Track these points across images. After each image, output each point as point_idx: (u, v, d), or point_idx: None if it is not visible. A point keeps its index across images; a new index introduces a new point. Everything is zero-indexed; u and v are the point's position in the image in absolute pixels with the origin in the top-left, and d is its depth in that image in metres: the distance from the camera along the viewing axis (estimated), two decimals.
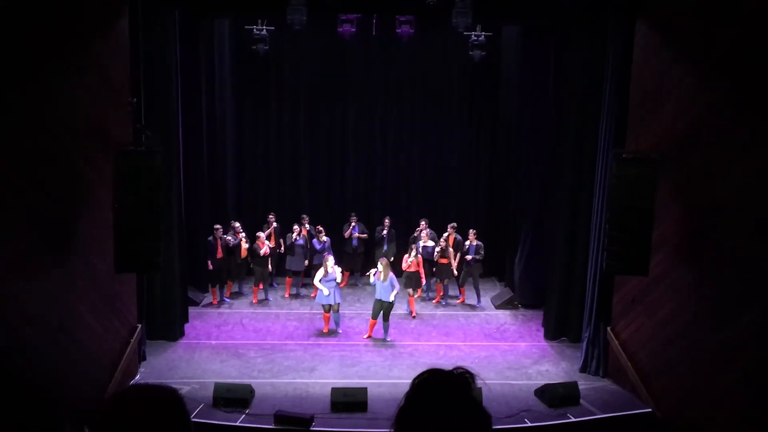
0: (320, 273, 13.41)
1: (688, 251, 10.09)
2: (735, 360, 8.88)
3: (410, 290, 14.76)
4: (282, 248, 15.82)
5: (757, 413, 8.46)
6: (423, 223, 15.91)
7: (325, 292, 13.27)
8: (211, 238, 14.91)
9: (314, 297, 14.52)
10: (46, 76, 8.58)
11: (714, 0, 9.58)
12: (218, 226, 15.00)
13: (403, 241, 16.34)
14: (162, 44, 12.01)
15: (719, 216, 9.37)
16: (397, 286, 13.33)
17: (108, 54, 10.40)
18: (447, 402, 1.95)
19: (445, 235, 15.52)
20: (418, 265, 14.74)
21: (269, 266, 15.52)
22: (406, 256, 14.78)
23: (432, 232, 15.76)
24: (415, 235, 15.97)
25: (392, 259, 16.25)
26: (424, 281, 15.35)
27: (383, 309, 13.21)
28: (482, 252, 15.42)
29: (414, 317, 14.51)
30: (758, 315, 8.41)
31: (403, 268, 14.81)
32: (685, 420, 9.98)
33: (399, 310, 14.35)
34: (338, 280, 13.52)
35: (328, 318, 13.61)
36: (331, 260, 13.50)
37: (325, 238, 15.69)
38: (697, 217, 9.85)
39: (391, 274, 13.34)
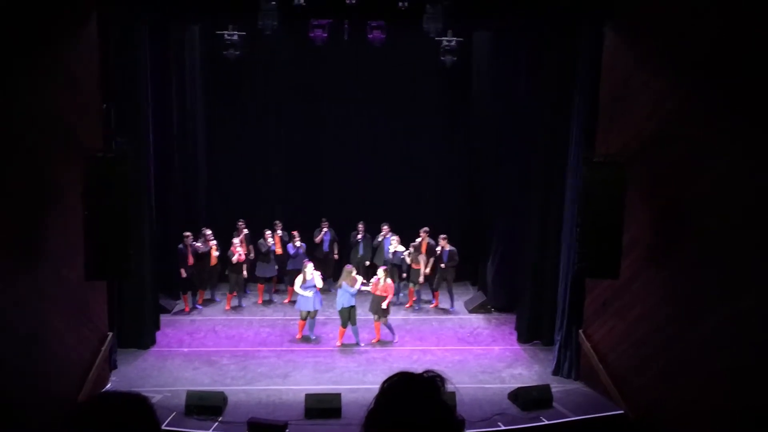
0: (299, 279, 13.37)
1: (658, 253, 10.20)
2: (705, 361, 8.98)
3: (374, 315, 13.49)
4: (252, 254, 15.74)
5: (727, 413, 8.57)
6: (386, 227, 15.87)
7: (309, 294, 13.22)
8: (181, 245, 14.76)
9: (288, 302, 14.42)
10: (12, 81, 8.47)
11: (684, 1, 9.71)
12: (188, 234, 14.87)
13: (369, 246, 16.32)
14: (132, 50, 11.87)
15: (689, 217, 9.48)
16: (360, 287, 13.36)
17: (76, 60, 10.30)
18: (416, 405, 1.95)
19: (418, 240, 15.47)
20: (385, 289, 13.29)
21: (244, 272, 15.46)
22: (376, 278, 13.53)
23: (395, 235, 15.69)
24: (379, 239, 15.92)
25: (368, 263, 16.22)
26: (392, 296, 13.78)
27: (350, 315, 13.14)
28: (456, 258, 15.42)
29: (374, 342, 13.45)
30: (727, 315, 8.52)
31: (371, 290, 13.60)
32: (657, 421, 10.08)
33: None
34: (318, 285, 13.45)
35: (303, 325, 13.55)
36: (310, 266, 13.43)
37: (299, 243, 15.62)
38: (667, 218, 9.95)
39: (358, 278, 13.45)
